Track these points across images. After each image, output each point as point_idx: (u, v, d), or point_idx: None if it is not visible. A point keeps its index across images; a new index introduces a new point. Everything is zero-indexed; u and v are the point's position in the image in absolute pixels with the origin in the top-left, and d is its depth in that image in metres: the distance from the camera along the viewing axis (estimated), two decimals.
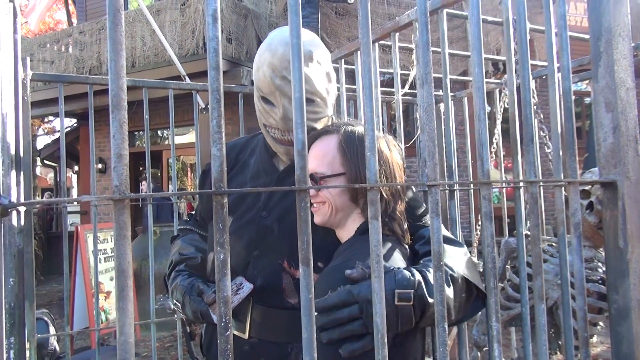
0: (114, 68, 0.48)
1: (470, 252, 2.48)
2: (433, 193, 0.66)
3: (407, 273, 0.91)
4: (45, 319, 2.71)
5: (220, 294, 0.51)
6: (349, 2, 7.00)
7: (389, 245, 1.05)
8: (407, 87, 2.18)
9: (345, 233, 1.11)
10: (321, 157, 1.09)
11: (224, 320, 0.51)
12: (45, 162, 12.96)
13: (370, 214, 0.61)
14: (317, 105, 1.19)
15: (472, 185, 2.45)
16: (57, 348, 2.68)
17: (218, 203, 0.52)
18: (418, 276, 0.92)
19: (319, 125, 1.21)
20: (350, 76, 1.94)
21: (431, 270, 0.94)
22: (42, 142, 15.01)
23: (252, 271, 1.21)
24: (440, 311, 0.65)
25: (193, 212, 1.56)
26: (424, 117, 0.66)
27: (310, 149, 1.12)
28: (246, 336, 1.21)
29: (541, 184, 0.86)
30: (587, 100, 9.36)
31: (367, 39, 0.62)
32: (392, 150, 1.11)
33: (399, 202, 1.08)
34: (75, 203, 9.85)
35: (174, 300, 1.27)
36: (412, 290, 0.88)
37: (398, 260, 1.01)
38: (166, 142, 9.56)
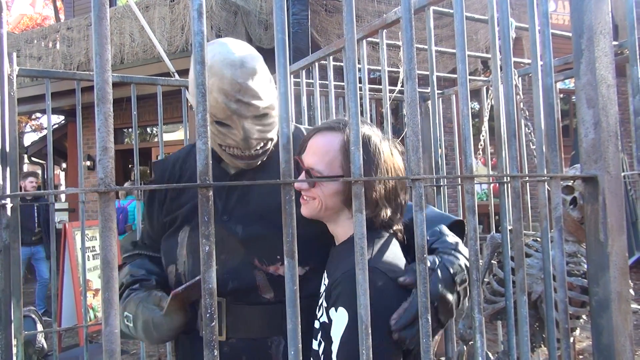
0: (99, 62, 0.48)
1: None
2: (417, 187, 0.67)
3: (450, 259, 1.03)
4: (33, 316, 2.69)
5: (205, 285, 0.52)
6: None
7: (392, 240, 1.07)
8: (399, 84, 2.19)
9: (340, 229, 1.10)
10: (322, 155, 1.06)
11: (209, 311, 0.51)
12: (33, 159, 12.83)
13: (354, 207, 0.62)
14: (271, 116, 1.20)
15: (456, 180, 2.47)
16: (45, 345, 2.67)
17: (203, 196, 0.52)
18: (463, 260, 1.04)
19: (273, 135, 1.22)
20: (339, 73, 1.95)
21: (457, 257, 1.05)
22: (29, 139, 14.86)
23: (221, 275, 1.19)
24: (424, 303, 0.67)
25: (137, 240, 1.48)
26: (408, 111, 0.67)
27: (310, 140, 1.10)
28: (224, 338, 1.20)
29: (525, 179, 0.88)
30: (575, 98, 9.45)
31: (352, 35, 0.63)
32: (394, 154, 1.10)
33: (400, 196, 1.09)
34: (63, 200, 9.76)
35: (125, 313, 1.19)
36: (463, 272, 1.01)
37: (401, 256, 1.04)
38: (155, 140, 9.51)
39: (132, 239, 1.54)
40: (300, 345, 0.57)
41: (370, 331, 0.61)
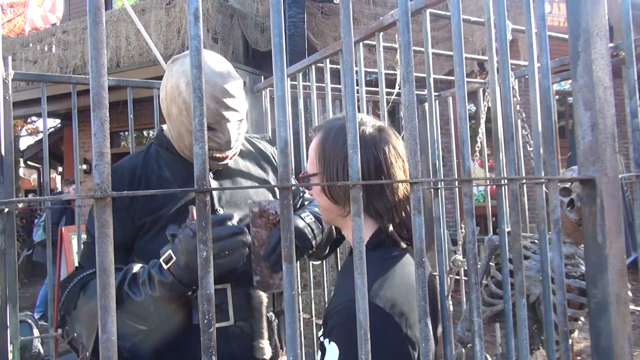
0: (95, 66, 0.48)
1: (455, 251, 2.50)
2: (415, 190, 0.67)
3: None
4: (29, 321, 2.68)
5: (203, 291, 0.51)
6: (335, 2, 7.01)
7: (402, 258, 0.99)
8: (397, 87, 2.18)
9: (349, 235, 1.06)
10: (309, 156, 1.10)
11: (207, 317, 0.51)
12: (29, 163, 12.78)
13: (352, 210, 0.62)
14: (245, 122, 1.35)
15: (453, 182, 2.48)
16: (41, 350, 2.65)
17: (201, 201, 0.52)
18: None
19: (243, 138, 1.40)
20: (336, 76, 1.94)
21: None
22: (25, 142, 14.79)
23: None
24: (423, 307, 0.66)
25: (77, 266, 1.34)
26: (405, 115, 0.67)
27: None
28: (232, 322, 1.27)
29: (523, 181, 0.88)
30: (571, 99, 9.49)
31: (349, 38, 0.63)
32: (393, 146, 1.03)
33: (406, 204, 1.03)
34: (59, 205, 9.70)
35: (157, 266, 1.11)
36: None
37: (410, 278, 0.96)
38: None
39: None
40: (299, 351, 0.56)
41: (369, 336, 0.61)
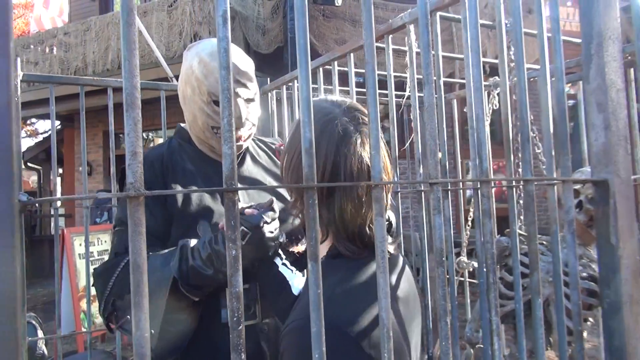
0: (127, 67, 0.48)
1: (459, 253, 2.51)
2: (435, 191, 0.67)
3: None
4: (33, 322, 2.68)
5: (231, 289, 0.52)
6: (337, 4, 7.02)
7: (358, 269, 0.83)
8: (407, 90, 2.17)
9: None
10: None
11: (236, 315, 0.52)
12: (29, 164, 12.77)
13: (375, 210, 0.62)
14: (256, 103, 1.37)
15: (465, 184, 2.48)
16: (46, 351, 2.65)
17: (230, 200, 0.53)
18: None
19: (256, 121, 1.40)
20: (342, 79, 1.95)
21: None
22: (24, 144, 14.78)
23: (254, 261, 1.30)
24: (442, 306, 0.67)
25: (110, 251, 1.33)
26: (425, 116, 0.68)
27: None
28: (260, 320, 1.29)
29: (540, 182, 0.89)
30: (571, 102, 9.50)
31: (371, 39, 0.63)
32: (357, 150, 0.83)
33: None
34: (59, 206, 9.70)
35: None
36: None
37: (364, 294, 0.80)
38: (151, 145, 9.50)
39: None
40: (324, 349, 0.57)
41: (391, 334, 0.61)
